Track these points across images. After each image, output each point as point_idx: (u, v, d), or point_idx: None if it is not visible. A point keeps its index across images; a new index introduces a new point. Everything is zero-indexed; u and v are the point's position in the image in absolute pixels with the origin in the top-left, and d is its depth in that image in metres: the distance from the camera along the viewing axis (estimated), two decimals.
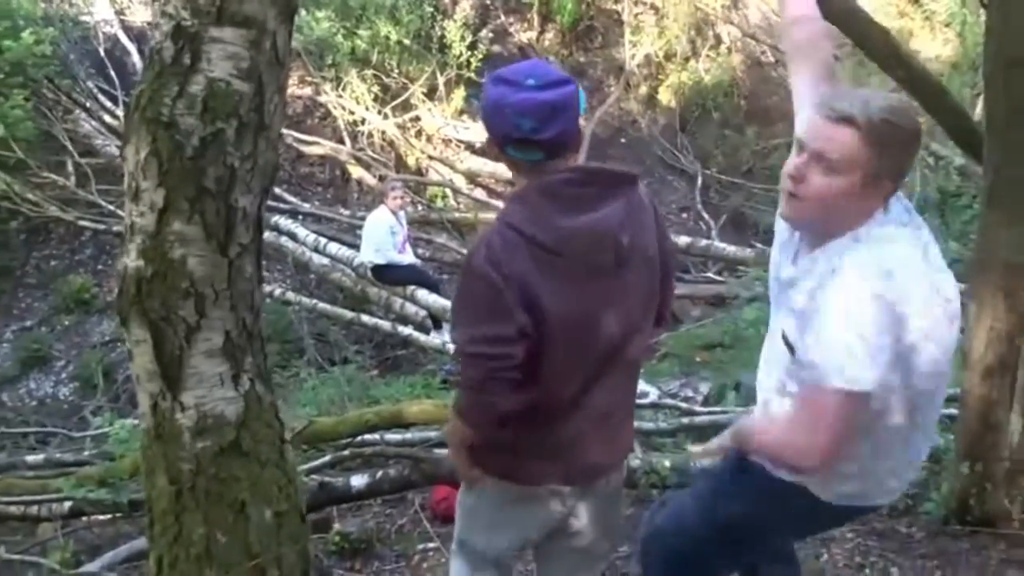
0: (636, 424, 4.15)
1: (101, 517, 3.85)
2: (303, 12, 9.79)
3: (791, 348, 1.62)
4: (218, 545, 1.54)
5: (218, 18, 1.44)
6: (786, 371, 1.67)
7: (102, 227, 8.16)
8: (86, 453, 4.95)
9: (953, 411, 3.87)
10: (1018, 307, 2.89)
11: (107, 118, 9.17)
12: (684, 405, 4.59)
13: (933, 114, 3.11)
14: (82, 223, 8.31)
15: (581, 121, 1.64)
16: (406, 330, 7.01)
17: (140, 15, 10.03)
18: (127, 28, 9.84)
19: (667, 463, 3.61)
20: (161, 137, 1.44)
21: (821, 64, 1.79)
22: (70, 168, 8.65)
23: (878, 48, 3.03)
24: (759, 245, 8.43)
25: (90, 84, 9.42)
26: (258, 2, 1.47)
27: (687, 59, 11.12)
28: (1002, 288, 2.87)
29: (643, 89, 11.10)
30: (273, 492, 1.60)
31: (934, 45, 11.16)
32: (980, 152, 2.85)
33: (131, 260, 1.48)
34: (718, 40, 11.34)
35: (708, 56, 11.20)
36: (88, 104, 9.30)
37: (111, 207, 7.96)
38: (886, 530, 3.33)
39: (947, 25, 11.19)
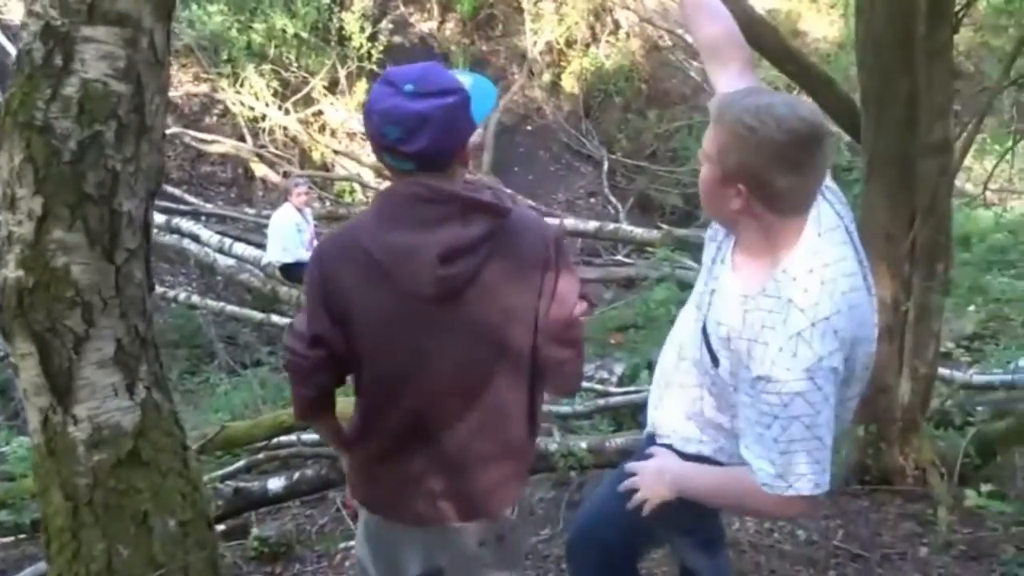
0: (552, 408, 4.23)
1: (3, 540, 3.68)
2: (194, 6, 9.50)
3: (713, 356, 1.61)
4: (120, 559, 1.50)
5: (89, 16, 1.40)
6: (698, 370, 1.69)
7: None
8: None
9: None
10: (900, 275, 3.06)
11: None
12: (599, 387, 4.67)
13: (821, 103, 3.26)
14: None
15: (477, 130, 1.56)
16: None
17: (18, 13, 9.53)
18: (4, 27, 9.35)
19: (584, 445, 3.68)
20: (36, 142, 1.39)
21: (742, 59, 1.77)
22: None
23: (770, 46, 3.17)
24: (665, 227, 8.64)
25: None
26: None
27: (587, 45, 11.26)
28: (884, 257, 3.02)
29: (546, 76, 11.19)
30: (176, 501, 1.56)
31: (821, 26, 11.61)
32: (858, 128, 2.99)
33: (11, 271, 1.42)
34: (617, 26, 11.51)
35: (608, 42, 11.37)
36: None
37: None
38: None
39: (832, 7, 11.66)
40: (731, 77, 1.71)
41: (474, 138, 1.58)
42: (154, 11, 1.47)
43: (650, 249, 8.03)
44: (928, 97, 2.82)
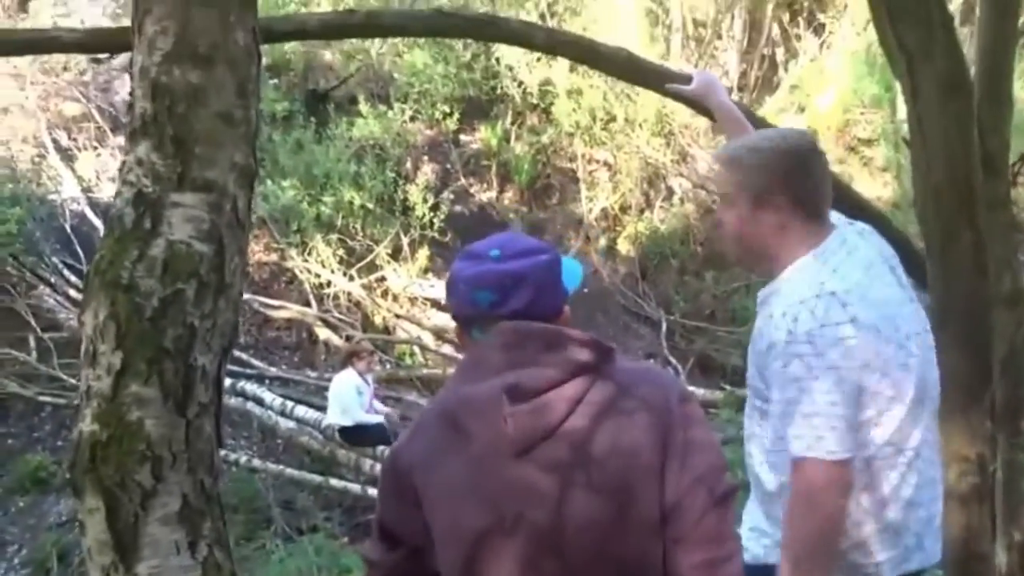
0: None
1: None
2: (268, 182, 10.10)
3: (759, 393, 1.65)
4: None
5: (179, 184, 1.49)
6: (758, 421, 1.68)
7: (63, 401, 7.99)
8: None
9: None
10: (983, 432, 2.91)
11: (72, 292, 9.19)
12: None
13: None
14: (42, 398, 8.13)
15: (568, 296, 1.36)
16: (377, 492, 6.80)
17: (107, 191, 10.26)
18: (93, 204, 10.04)
19: None
20: (120, 300, 1.45)
21: None
22: (32, 343, 8.56)
23: None
24: (728, 387, 8.47)
25: (55, 259, 9.49)
26: (219, 167, 1.52)
27: (642, 210, 11.56)
28: (964, 414, 2.89)
29: (602, 241, 11.45)
30: None
31: (874, 188, 11.76)
32: (923, 277, 2.95)
33: (86, 425, 1.45)
34: (670, 191, 11.84)
35: (662, 207, 11.66)
36: (52, 279, 9.33)
37: (73, 381, 7.83)
38: None
39: (884, 170, 11.84)
40: None
41: None
42: (238, 179, 1.57)
43: (713, 410, 7.85)
44: (992, 249, 2.79)
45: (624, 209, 11.59)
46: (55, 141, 10.54)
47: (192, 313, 1.49)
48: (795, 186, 1.62)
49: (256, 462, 7.59)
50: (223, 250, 1.54)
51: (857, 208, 3.13)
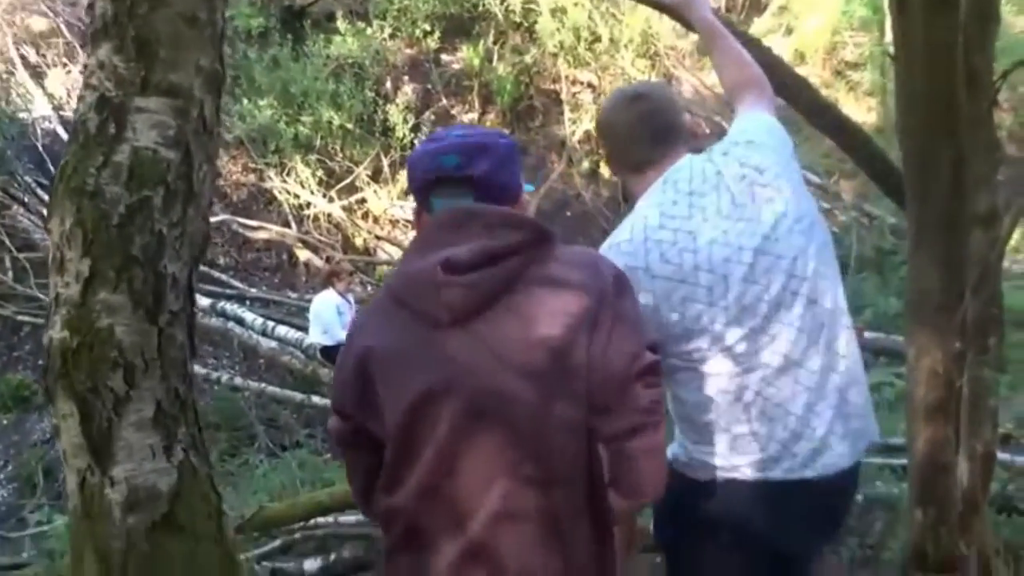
0: None
1: None
2: (244, 101, 9.91)
3: None
4: None
5: (143, 88, 1.45)
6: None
7: (42, 321, 7.95)
8: (24, 554, 4.72)
9: (902, 461, 3.92)
10: (952, 349, 2.96)
11: (46, 212, 9.07)
12: None
13: (859, 161, 3.24)
14: (20, 318, 8.11)
15: (525, 189, 1.43)
16: None
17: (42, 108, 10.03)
18: (66, 123, 9.82)
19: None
20: (86, 207, 1.43)
21: (762, 89, 1.95)
22: (8, 263, 8.48)
23: (799, 96, 3.15)
24: None
25: (28, 179, 9.33)
26: (184, 71, 1.48)
27: None
28: (936, 331, 2.94)
29: (585, 164, 11.36)
30: (212, 568, 1.53)
31: (859, 113, 11.69)
32: (903, 196, 2.95)
33: (56, 332, 1.45)
34: None
35: None
36: (26, 199, 9.19)
37: None
38: None
39: (870, 94, 11.75)
40: (747, 104, 1.88)
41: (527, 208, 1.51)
42: (204, 83, 1.53)
43: None
44: (971, 166, 2.79)
45: None
46: (23, 57, 10.24)
47: (160, 221, 1.47)
48: (619, 153, 1.83)
49: (238, 380, 7.65)
50: (190, 157, 1.51)
51: (838, 127, 3.10)
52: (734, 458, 1.66)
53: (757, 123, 1.85)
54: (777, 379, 1.65)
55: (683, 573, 1.86)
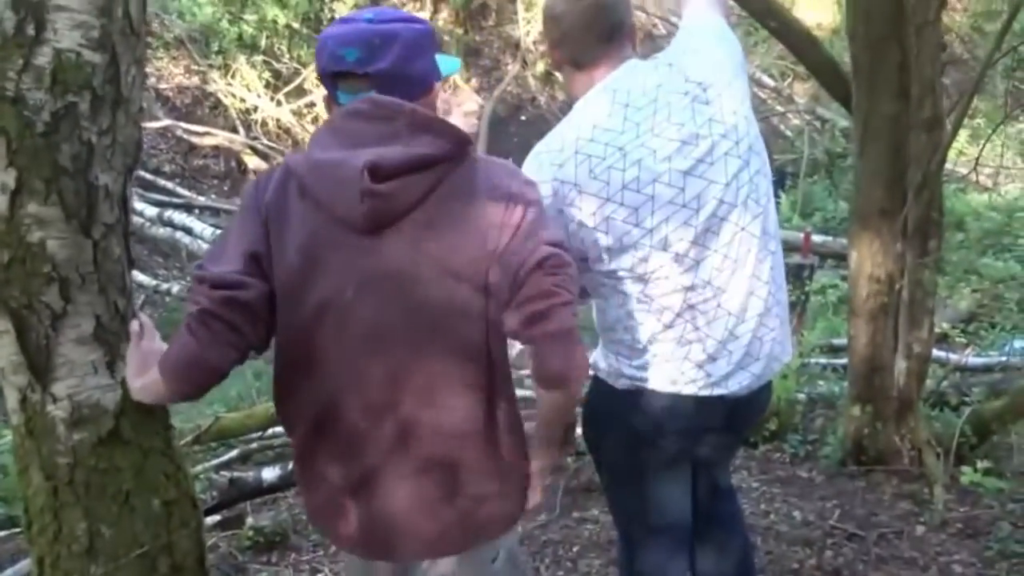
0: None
1: None
2: None
3: None
4: (102, 539, 1.47)
5: None
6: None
7: None
8: None
9: (844, 361, 4.06)
10: (893, 253, 3.04)
11: None
12: None
13: (807, 64, 3.22)
14: None
15: (472, 120, 1.46)
16: None
17: None
18: None
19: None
20: (7, 114, 1.35)
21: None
22: None
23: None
24: None
25: None
26: None
27: None
28: (878, 235, 3.00)
29: (540, 66, 11.16)
30: (159, 480, 1.53)
31: (815, 13, 11.56)
32: (851, 102, 2.95)
33: None
34: None
35: None
36: None
37: None
38: (789, 477, 3.47)
39: None
40: (696, 5, 1.82)
41: (469, 127, 1.48)
42: None
43: None
44: (917, 70, 2.80)
45: None
46: None
47: (88, 128, 1.41)
48: (564, 47, 1.76)
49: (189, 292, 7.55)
50: (117, 60, 1.43)
51: (788, 31, 3.07)
52: (649, 372, 1.70)
53: (706, 29, 1.80)
54: (699, 303, 1.67)
55: (605, 471, 1.95)
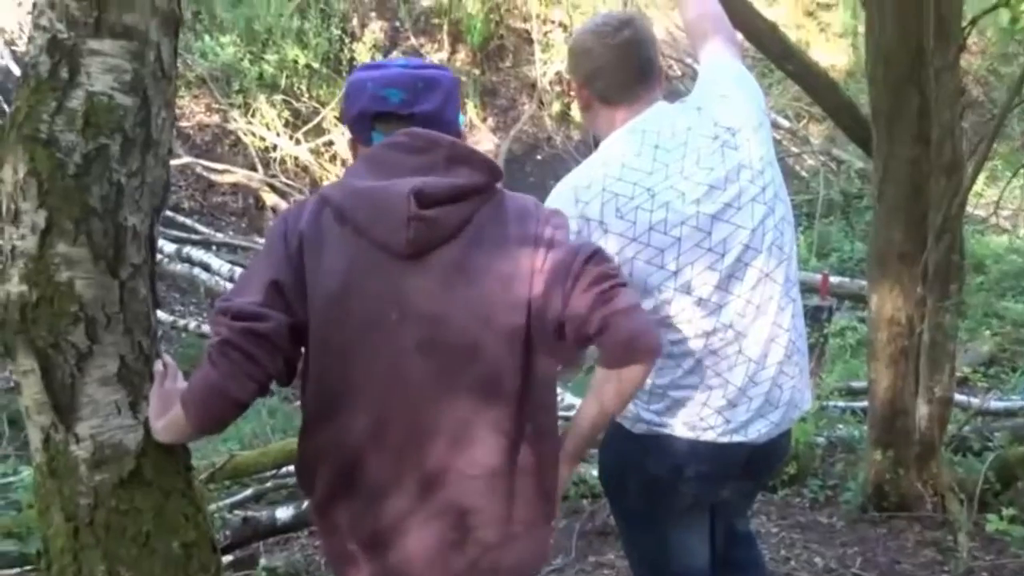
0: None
1: (9, 572, 3.64)
2: (207, 37, 9.62)
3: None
4: None
5: (96, 29, 1.39)
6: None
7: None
8: None
9: (864, 404, 4.01)
10: (913, 296, 3.02)
11: None
12: None
13: (824, 106, 3.24)
14: None
15: (465, 122, 1.47)
16: None
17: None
18: (19, 59, 9.47)
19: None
20: (40, 155, 1.37)
21: (724, 33, 1.89)
22: None
23: (767, 42, 3.13)
24: None
25: None
26: (139, 12, 1.42)
27: None
28: (898, 278, 2.99)
29: (556, 106, 11.24)
30: (180, 522, 1.52)
31: (830, 55, 11.65)
32: (870, 144, 2.96)
33: (13, 286, 1.40)
34: None
35: None
36: None
37: None
38: (809, 522, 3.41)
39: (841, 36, 11.70)
40: (712, 46, 1.81)
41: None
42: (161, 25, 1.47)
43: None
44: (936, 114, 2.81)
45: None
46: None
47: (118, 170, 1.42)
48: (595, 81, 1.76)
49: (206, 328, 7.58)
50: (148, 103, 1.45)
51: (806, 74, 3.09)
52: (668, 418, 1.69)
53: (728, 73, 1.81)
54: (721, 349, 1.66)
55: (621, 516, 1.93)
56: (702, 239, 1.63)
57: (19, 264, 1.40)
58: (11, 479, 4.64)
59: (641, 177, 1.64)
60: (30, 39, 1.42)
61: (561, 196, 1.68)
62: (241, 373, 1.25)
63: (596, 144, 1.82)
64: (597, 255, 1.31)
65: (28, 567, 3.53)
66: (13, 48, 9.58)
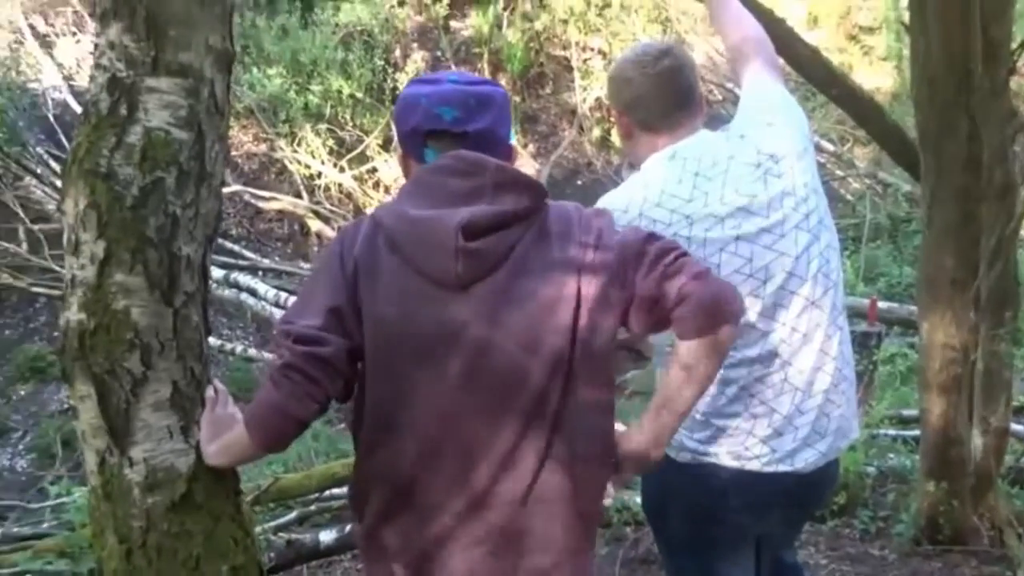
0: None
1: None
2: (254, 70, 9.86)
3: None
4: None
5: (154, 68, 1.44)
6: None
7: (57, 293, 8.02)
8: (45, 525, 4.77)
9: (915, 432, 3.92)
10: (966, 323, 2.95)
11: (58, 183, 9.07)
12: None
13: (870, 131, 3.21)
14: (36, 289, 8.16)
15: (516, 138, 1.52)
16: None
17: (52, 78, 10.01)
18: (77, 93, 9.80)
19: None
20: (99, 188, 1.43)
21: (765, 55, 1.89)
22: (22, 235, 8.52)
23: (810, 68, 3.11)
24: None
25: (40, 150, 9.33)
26: (194, 51, 1.47)
27: None
28: (950, 305, 2.92)
29: (596, 132, 11.27)
30: (229, 545, 1.55)
31: (874, 79, 11.53)
32: (917, 168, 2.92)
33: (73, 314, 1.45)
34: None
35: None
36: (39, 170, 9.20)
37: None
38: (859, 554, 3.33)
39: (885, 59, 11.57)
40: (754, 70, 1.80)
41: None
42: (215, 63, 1.52)
43: None
44: (987, 138, 2.76)
45: None
46: (32, 27, 10.18)
47: (173, 202, 1.47)
48: (636, 110, 1.77)
49: (253, 351, 7.70)
50: (202, 137, 1.50)
51: (851, 98, 3.06)
52: (713, 447, 1.67)
53: (772, 99, 1.80)
54: (766, 377, 1.64)
55: (665, 545, 1.90)
56: (741, 265, 1.62)
57: (78, 293, 1.45)
58: (64, 500, 4.74)
59: (680, 204, 1.64)
60: (91, 78, 1.48)
61: None
62: (303, 394, 1.28)
63: (633, 167, 1.82)
64: (651, 236, 1.33)
65: None
66: (71, 83, 9.91)
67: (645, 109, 1.76)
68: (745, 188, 1.65)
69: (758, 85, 1.85)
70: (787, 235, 1.65)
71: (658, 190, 1.66)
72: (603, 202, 1.71)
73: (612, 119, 1.86)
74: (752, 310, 1.62)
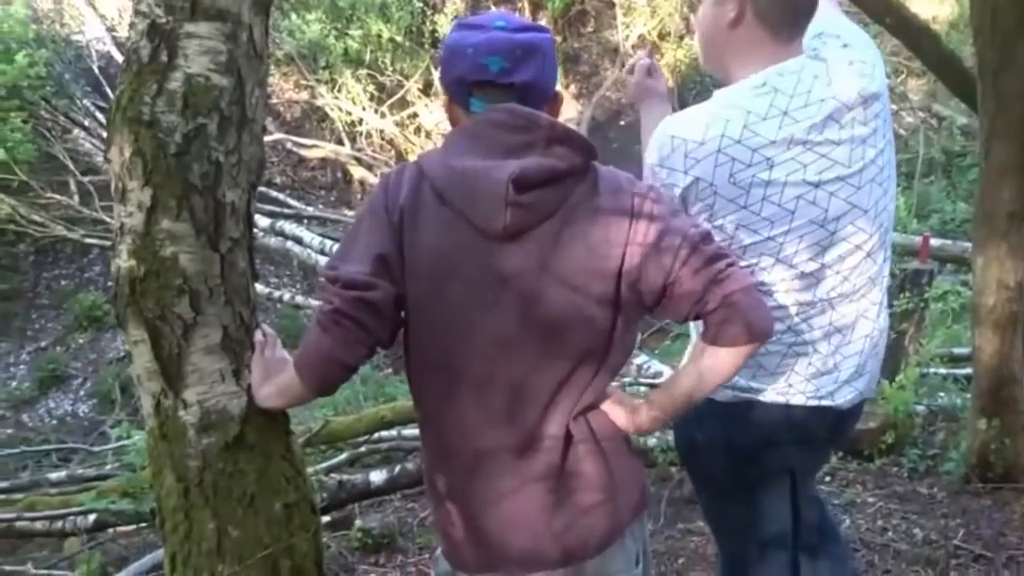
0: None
1: (125, 528, 3.88)
2: (293, 16, 9.82)
3: None
4: (229, 539, 1.54)
5: (192, 13, 1.44)
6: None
7: (108, 243, 8.21)
8: (107, 467, 4.99)
9: (966, 371, 3.85)
10: (1022, 258, 2.86)
11: (105, 134, 9.21)
12: None
13: (925, 61, 3.08)
14: (89, 241, 8.38)
15: (560, 87, 1.48)
16: None
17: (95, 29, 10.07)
18: (120, 44, 9.87)
19: None
20: (143, 136, 1.44)
21: None
22: (73, 187, 8.71)
23: None
24: None
25: (87, 102, 9.47)
26: None
27: (681, 37, 11.07)
28: (1006, 239, 2.84)
29: None
30: (281, 484, 1.60)
31: (931, 6, 11.06)
32: (975, 99, 2.81)
33: (123, 261, 1.48)
34: None
35: None
36: (86, 122, 9.36)
37: None
38: (907, 492, 3.32)
39: None
40: (825, 10, 1.72)
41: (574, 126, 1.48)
42: (253, 6, 1.51)
43: None
44: None
45: (663, 36, 11.10)
46: None
47: (216, 148, 1.48)
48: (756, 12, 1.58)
49: (300, 299, 7.83)
50: (242, 83, 1.50)
51: (906, 27, 2.94)
52: (756, 383, 1.66)
53: (860, 36, 1.69)
54: (812, 318, 1.63)
55: (704, 486, 1.91)
56: (817, 215, 1.57)
57: (127, 240, 1.48)
58: (125, 442, 4.93)
59: (762, 144, 1.53)
60: (131, 25, 1.48)
61: (667, 145, 1.56)
62: (352, 339, 1.29)
63: (682, 106, 1.73)
64: (708, 236, 1.33)
65: (143, 524, 3.76)
66: (114, 34, 9.98)
67: (763, 16, 1.58)
68: (831, 134, 1.59)
69: (842, 20, 1.74)
70: (863, 188, 1.60)
71: (740, 125, 1.54)
72: (674, 125, 1.57)
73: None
74: (814, 259, 1.59)
